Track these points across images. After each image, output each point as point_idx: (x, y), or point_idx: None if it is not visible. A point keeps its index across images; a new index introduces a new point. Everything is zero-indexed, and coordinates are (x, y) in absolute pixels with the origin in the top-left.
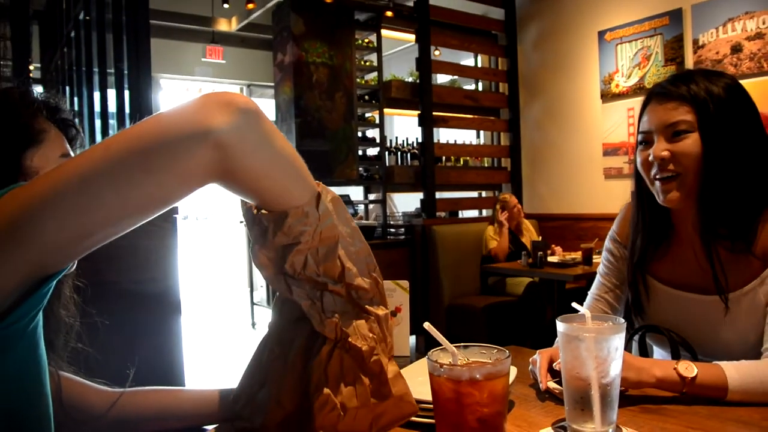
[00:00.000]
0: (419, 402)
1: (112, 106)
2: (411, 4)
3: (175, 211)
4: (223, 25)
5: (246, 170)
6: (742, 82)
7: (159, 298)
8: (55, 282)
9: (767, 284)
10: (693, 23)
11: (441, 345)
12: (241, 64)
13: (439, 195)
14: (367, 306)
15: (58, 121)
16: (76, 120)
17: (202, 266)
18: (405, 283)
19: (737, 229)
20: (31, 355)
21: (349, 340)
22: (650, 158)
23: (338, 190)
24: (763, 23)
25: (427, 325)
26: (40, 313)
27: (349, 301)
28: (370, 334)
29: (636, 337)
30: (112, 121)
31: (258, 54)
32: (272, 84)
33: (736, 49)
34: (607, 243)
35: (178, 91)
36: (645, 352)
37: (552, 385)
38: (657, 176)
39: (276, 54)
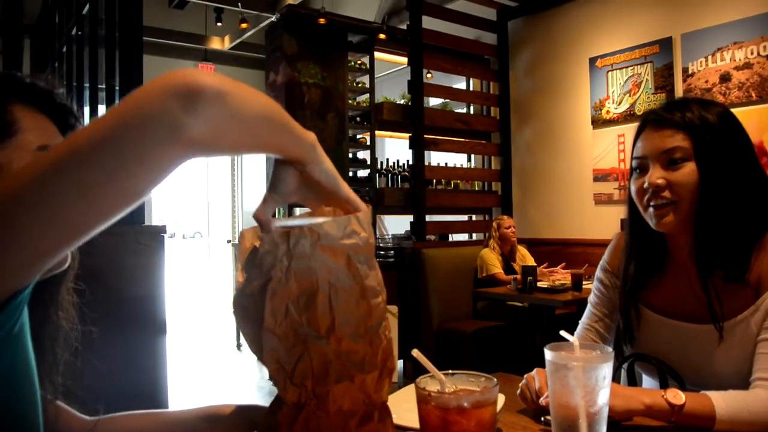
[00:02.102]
0: (407, 429)
1: None
2: (404, 27)
3: (162, 230)
4: (215, 44)
5: (223, 146)
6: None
7: (144, 318)
8: (27, 293)
9: (760, 313)
10: (683, 52)
11: (429, 372)
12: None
13: (429, 218)
14: (352, 369)
15: (50, 108)
16: (74, 106)
17: (189, 286)
18: (394, 308)
19: (732, 258)
20: (14, 360)
21: (312, 411)
22: (645, 185)
23: None
24: (752, 53)
25: (415, 352)
26: (22, 318)
27: (336, 361)
28: (347, 400)
29: (625, 366)
30: None
31: (250, 73)
32: None
33: (725, 78)
34: (598, 272)
35: None
36: (634, 380)
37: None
38: (652, 203)
39: (268, 73)
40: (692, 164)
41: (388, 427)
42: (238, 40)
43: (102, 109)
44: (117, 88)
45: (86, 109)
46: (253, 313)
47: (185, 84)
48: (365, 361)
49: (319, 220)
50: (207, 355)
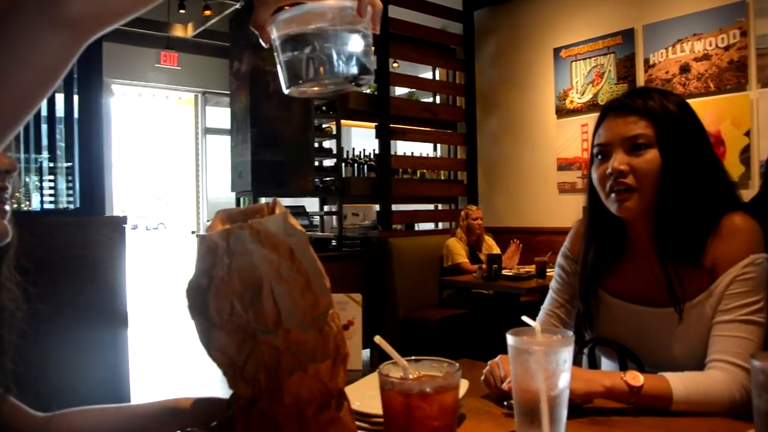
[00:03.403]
0: (370, 416)
1: (60, 111)
2: None
3: (123, 220)
4: (178, 31)
5: (116, 12)
6: (690, 101)
7: (104, 311)
8: None
9: (714, 297)
10: (644, 43)
11: (392, 359)
12: (196, 71)
13: (395, 207)
14: (304, 360)
15: None
16: None
17: (152, 278)
18: (358, 296)
19: (689, 243)
20: None
21: (266, 404)
22: (608, 171)
23: (293, 201)
24: (710, 45)
25: (377, 338)
26: None
27: (287, 353)
28: (302, 390)
29: (586, 350)
30: (60, 126)
31: (214, 61)
32: (228, 92)
33: (685, 69)
34: (559, 259)
35: (130, 96)
36: (594, 364)
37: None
38: (614, 189)
39: (232, 62)
40: (655, 151)
41: (346, 414)
42: (202, 28)
43: (59, 98)
44: (75, 76)
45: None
46: (201, 309)
47: None
48: (317, 350)
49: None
50: (171, 348)
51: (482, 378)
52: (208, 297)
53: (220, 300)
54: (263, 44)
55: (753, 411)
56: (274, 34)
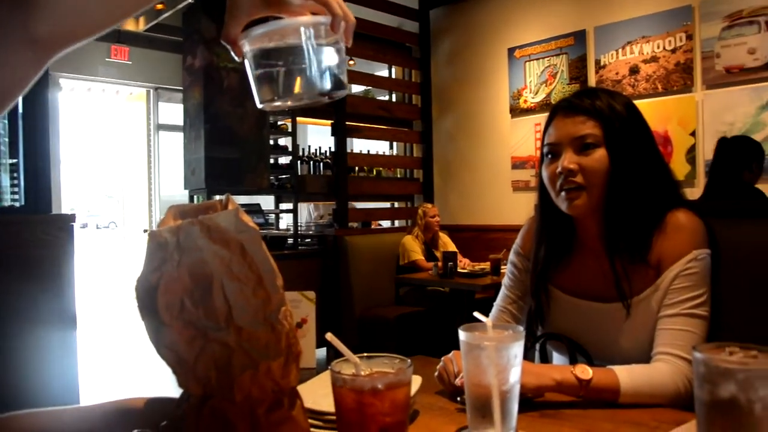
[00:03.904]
0: (323, 414)
1: None
2: None
3: (71, 219)
4: (129, 25)
5: (92, 28)
6: (638, 102)
7: (51, 312)
8: None
9: (660, 291)
10: (595, 44)
11: (344, 356)
12: (148, 65)
13: (351, 205)
14: (256, 357)
15: None
16: None
17: (103, 277)
18: (311, 294)
19: (636, 240)
20: None
21: (218, 402)
22: (558, 170)
23: (249, 199)
24: (658, 47)
25: (329, 336)
26: None
27: (238, 350)
28: (253, 388)
29: (537, 345)
30: (4, 121)
31: (166, 56)
32: (181, 88)
33: (634, 70)
34: (511, 256)
35: (79, 91)
36: (546, 358)
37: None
38: (564, 187)
39: (186, 57)
40: (603, 150)
41: (298, 413)
42: (154, 22)
43: None
44: None
45: None
46: (150, 306)
47: None
48: (269, 347)
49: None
50: (122, 348)
51: (436, 374)
52: (158, 294)
53: (170, 297)
54: (236, 58)
55: (695, 401)
56: (247, 49)
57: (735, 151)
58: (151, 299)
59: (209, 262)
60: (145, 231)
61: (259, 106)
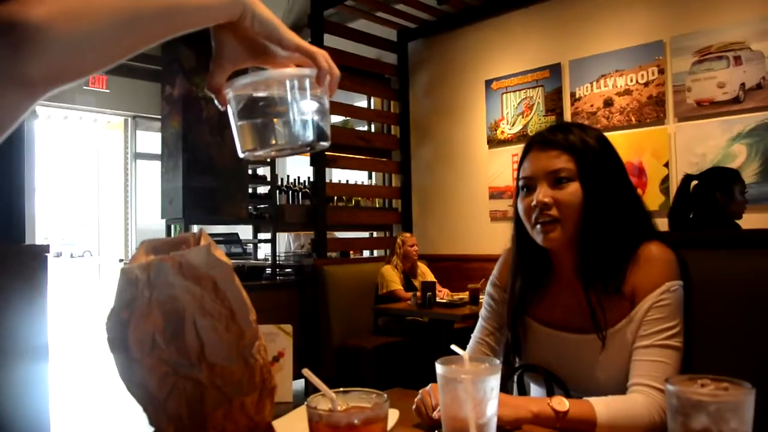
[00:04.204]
0: None
1: None
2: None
3: (45, 249)
4: None
5: (81, 71)
6: (612, 134)
7: (22, 345)
8: None
9: (634, 323)
10: (570, 77)
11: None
12: (126, 94)
13: (330, 235)
14: (230, 393)
15: None
16: None
17: (77, 307)
18: (288, 327)
19: (609, 271)
20: None
21: None
22: (533, 204)
23: (227, 229)
24: (631, 81)
25: (305, 371)
26: None
27: (211, 387)
28: (227, 424)
29: (515, 377)
30: None
31: (144, 85)
32: (159, 116)
33: (608, 103)
34: (488, 288)
35: (56, 119)
36: (524, 390)
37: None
38: (539, 221)
39: (164, 86)
40: (576, 184)
41: None
42: None
43: None
44: None
45: None
46: (121, 343)
47: (2, 22)
48: (242, 383)
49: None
50: (95, 382)
51: (414, 407)
52: (128, 330)
53: (141, 333)
54: (219, 107)
55: None
56: (231, 98)
57: (702, 184)
58: (122, 336)
59: (181, 298)
60: (121, 260)
61: (241, 155)
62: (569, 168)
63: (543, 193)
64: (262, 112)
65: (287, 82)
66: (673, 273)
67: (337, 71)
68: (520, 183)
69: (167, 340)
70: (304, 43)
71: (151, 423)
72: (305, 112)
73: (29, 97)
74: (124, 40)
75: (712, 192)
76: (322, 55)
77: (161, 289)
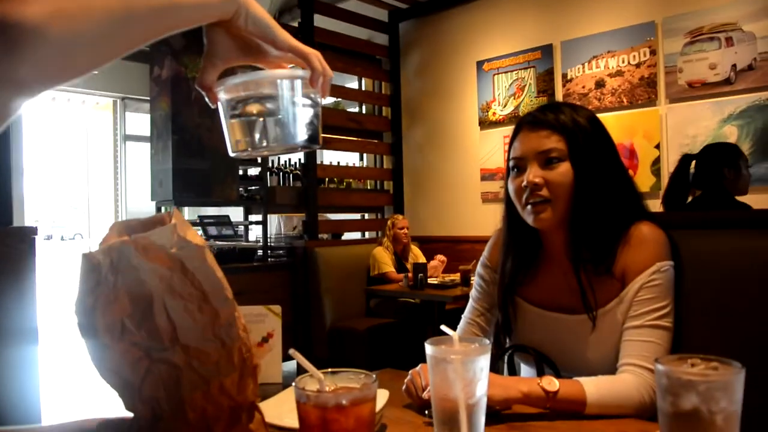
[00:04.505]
0: (287, 430)
1: None
2: (296, 24)
3: (33, 231)
4: None
5: (74, 72)
6: (604, 115)
7: (10, 327)
8: None
9: (624, 303)
10: (562, 58)
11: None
12: (114, 75)
13: (321, 217)
14: (207, 375)
15: None
16: None
17: (68, 290)
18: (277, 308)
19: (600, 252)
20: None
21: (170, 423)
22: (524, 184)
23: (217, 211)
24: (623, 62)
25: (292, 351)
26: None
27: (187, 369)
28: (207, 406)
29: (505, 357)
30: None
31: (133, 66)
32: (148, 98)
33: (600, 84)
34: (479, 268)
35: (44, 101)
36: (514, 370)
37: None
38: (530, 201)
39: (153, 67)
40: (567, 164)
41: (259, 428)
42: None
43: None
44: None
45: None
46: (90, 329)
47: None
48: (220, 364)
49: (248, 90)
50: (85, 365)
51: (403, 387)
52: (96, 316)
53: (109, 318)
54: (210, 104)
55: (658, 413)
56: (222, 97)
57: (707, 160)
58: (90, 322)
59: (147, 281)
60: None
61: (232, 154)
62: (560, 148)
63: (533, 174)
64: (253, 113)
65: (279, 83)
66: (664, 253)
67: (330, 72)
68: (511, 163)
69: (137, 324)
70: (298, 44)
71: (128, 408)
72: (297, 113)
73: (22, 97)
74: (118, 39)
75: (719, 168)
76: (316, 56)
77: (126, 272)
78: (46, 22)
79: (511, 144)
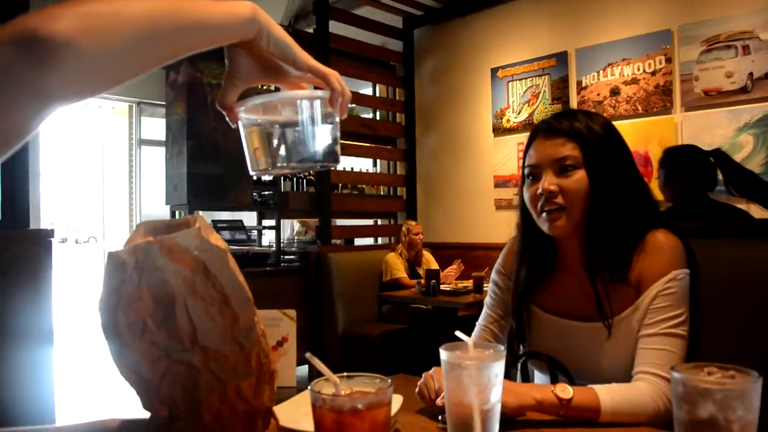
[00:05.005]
0: None
1: None
2: (311, 30)
3: (49, 234)
4: None
5: (98, 87)
6: (619, 123)
7: (28, 329)
8: None
9: (640, 311)
10: (577, 66)
11: (324, 375)
12: (131, 80)
13: (335, 222)
14: (224, 377)
15: None
16: None
17: (83, 293)
18: (292, 312)
19: (616, 259)
20: None
21: (186, 424)
22: (539, 192)
23: (231, 215)
24: (638, 70)
25: (308, 355)
26: None
27: (205, 371)
28: (223, 409)
29: (519, 365)
30: None
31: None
32: (164, 103)
33: (615, 92)
34: (493, 275)
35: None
36: (527, 378)
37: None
38: (545, 209)
39: (169, 72)
40: (582, 172)
41: None
42: None
43: None
44: None
45: None
46: (112, 327)
47: (27, 35)
48: (237, 367)
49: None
50: (100, 366)
51: (417, 390)
52: (118, 315)
53: (131, 317)
54: (231, 124)
55: (673, 421)
56: (243, 117)
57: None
58: (112, 320)
59: (171, 282)
60: None
61: (252, 173)
62: (575, 156)
63: (549, 181)
64: (274, 134)
65: (300, 103)
66: (680, 261)
67: (348, 93)
68: (526, 171)
69: (158, 324)
70: (317, 64)
71: (145, 407)
72: (317, 133)
73: (49, 109)
74: (142, 56)
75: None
76: (335, 76)
77: (150, 272)
78: (76, 37)
79: (526, 152)
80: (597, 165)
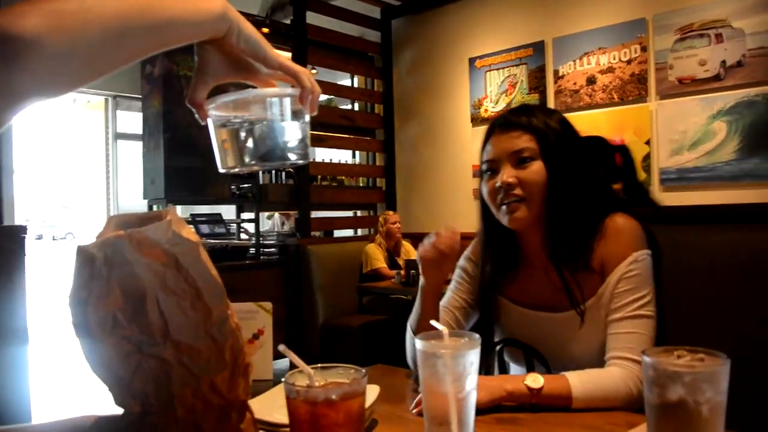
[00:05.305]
0: (277, 426)
1: None
2: (288, 21)
3: (22, 230)
4: None
5: (66, 86)
6: (595, 111)
7: (2, 326)
8: None
9: (606, 296)
10: (554, 55)
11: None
12: (106, 76)
13: (314, 214)
14: (197, 371)
15: None
16: None
17: (59, 290)
18: (268, 305)
19: (578, 247)
20: None
21: (159, 418)
22: (498, 185)
23: (210, 209)
24: (614, 58)
25: (282, 347)
26: None
27: (177, 365)
28: (197, 403)
29: (496, 356)
30: None
31: None
32: (140, 96)
33: (591, 81)
34: (462, 261)
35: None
36: (504, 368)
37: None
38: (504, 201)
39: (145, 65)
40: (540, 163)
41: (249, 426)
42: None
43: None
44: None
45: None
46: (82, 323)
47: None
48: (211, 361)
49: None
50: (76, 364)
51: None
52: (88, 310)
53: (102, 312)
54: (199, 121)
55: (645, 404)
56: (213, 114)
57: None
58: (82, 315)
59: (141, 276)
60: None
61: (221, 170)
62: (531, 147)
63: (507, 174)
64: (244, 132)
65: (269, 101)
66: (640, 243)
67: (318, 89)
68: (484, 166)
69: (129, 319)
70: (288, 62)
71: (117, 403)
72: (287, 130)
73: (17, 107)
74: (113, 54)
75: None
76: (305, 74)
77: (120, 266)
78: (45, 35)
79: (483, 147)
80: (554, 156)
